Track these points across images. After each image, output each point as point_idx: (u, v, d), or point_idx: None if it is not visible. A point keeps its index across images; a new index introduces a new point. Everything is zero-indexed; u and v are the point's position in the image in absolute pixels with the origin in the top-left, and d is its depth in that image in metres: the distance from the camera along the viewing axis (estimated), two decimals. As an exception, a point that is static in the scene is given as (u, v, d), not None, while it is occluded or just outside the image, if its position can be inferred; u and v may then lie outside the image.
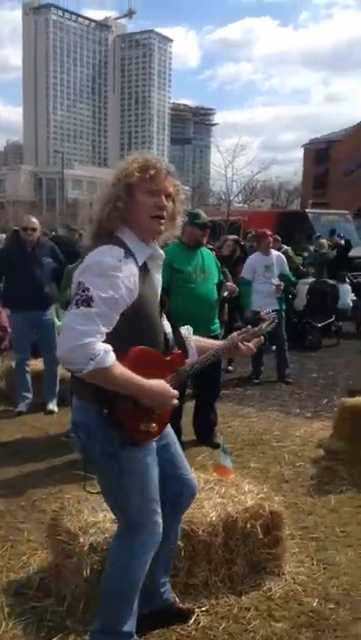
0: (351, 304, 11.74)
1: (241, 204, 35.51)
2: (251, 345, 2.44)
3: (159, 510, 2.34)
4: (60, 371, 5.96)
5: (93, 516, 2.91)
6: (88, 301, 1.99)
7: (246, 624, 2.66)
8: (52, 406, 5.91)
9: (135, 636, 2.36)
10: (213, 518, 2.87)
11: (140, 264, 2.14)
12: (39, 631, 2.61)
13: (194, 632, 2.62)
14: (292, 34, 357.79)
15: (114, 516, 2.90)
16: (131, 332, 2.09)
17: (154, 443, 2.30)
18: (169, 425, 2.46)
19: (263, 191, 50.16)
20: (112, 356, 1.98)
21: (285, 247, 10.17)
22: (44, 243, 6.10)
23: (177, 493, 2.50)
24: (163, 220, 2.20)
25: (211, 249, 6.72)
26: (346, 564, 3.16)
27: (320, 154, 56.42)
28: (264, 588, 2.92)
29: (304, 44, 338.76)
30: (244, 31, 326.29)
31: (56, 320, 6.26)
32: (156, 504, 2.33)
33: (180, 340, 2.38)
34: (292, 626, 2.65)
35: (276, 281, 7.52)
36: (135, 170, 2.16)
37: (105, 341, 1.99)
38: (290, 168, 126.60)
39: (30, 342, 6.02)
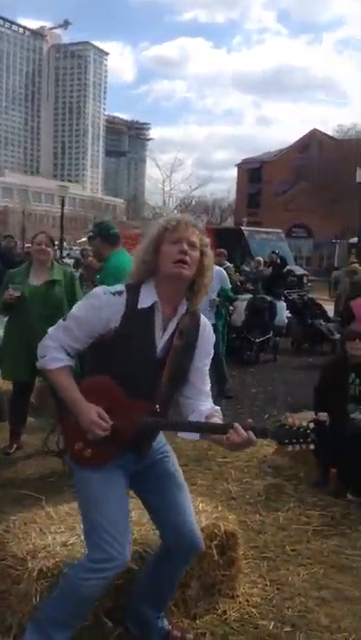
0: (286, 320, 11.99)
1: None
2: (242, 435, 2.14)
3: (116, 538, 2.22)
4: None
5: (42, 539, 2.77)
6: (65, 316, 2.35)
7: (203, 650, 2.58)
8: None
9: None
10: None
11: (140, 307, 2.27)
12: (-17, 666, 2.43)
13: (149, 660, 2.50)
14: (225, 56, 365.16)
15: (63, 539, 2.79)
16: (103, 359, 2.31)
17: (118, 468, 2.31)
18: (174, 462, 2.47)
19: (197, 207, 50.85)
20: (57, 363, 2.29)
21: (228, 264, 10.25)
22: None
23: (172, 544, 2.38)
24: (186, 265, 2.27)
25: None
26: (299, 585, 3.12)
27: (253, 173, 57.66)
28: (219, 611, 2.85)
29: (236, 67, 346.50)
30: (179, 49, 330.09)
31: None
32: (109, 532, 2.22)
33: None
34: (250, 650, 2.58)
35: (213, 295, 7.53)
36: (159, 225, 2.35)
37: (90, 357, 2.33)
38: (223, 186, 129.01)
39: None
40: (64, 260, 20.02)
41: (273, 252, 13.94)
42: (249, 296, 10.90)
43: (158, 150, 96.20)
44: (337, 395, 4.54)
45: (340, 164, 40.72)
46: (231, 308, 9.77)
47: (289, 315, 12.07)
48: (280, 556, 3.43)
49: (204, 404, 2.38)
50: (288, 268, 15.39)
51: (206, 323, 2.45)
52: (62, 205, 29.53)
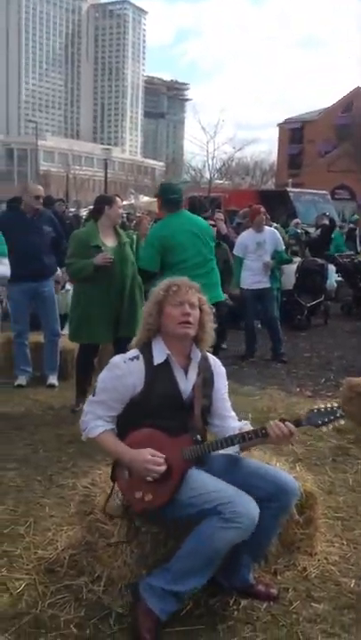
0: (336, 284, 11.81)
1: (220, 182, 35.30)
2: (283, 429, 2.49)
3: (241, 498, 2.37)
4: (61, 344, 5.83)
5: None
6: (94, 391, 2.65)
7: (288, 605, 2.63)
8: (53, 380, 5.77)
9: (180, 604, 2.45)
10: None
11: (155, 363, 2.58)
12: (78, 610, 2.53)
13: (236, 612, 2.57)
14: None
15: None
16: (138, 414, 2.58)
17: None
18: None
19: (238, 169, 49.99)
20: (99, 429, 2.58)
21: (275, 224, 10.10)
22: (43, 211, 5.90)
23: (273, 494, 2.49)
24: (189, 325, 2.59)
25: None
26: (376, 544, 3.15)
27: (295, 133, 56.17)
28: (299, 567, 2.89)
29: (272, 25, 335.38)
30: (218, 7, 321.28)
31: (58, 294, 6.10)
32: (232, 498, 2.35)
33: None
34: (333, 607, 2.62)
35: (267, 258, 7.47)
36: (161, 290, 2.66)
37: (119, 419, 2.62)
38: (264, 147, 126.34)
39: (29, 314, 5.85)
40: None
41: (323, 214, 13.65)
42: (298, 259, 10.76)
43: (198, 111, 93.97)
44: None
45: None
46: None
47: (339, 278, 11.89)
48: (353, 516, 3.45)
49: (233, 424, 2.70)
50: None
51: (215, 360, 2.80)
52: (106, 169, 29.51)
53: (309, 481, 3.09)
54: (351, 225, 15.16)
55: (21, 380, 5.72)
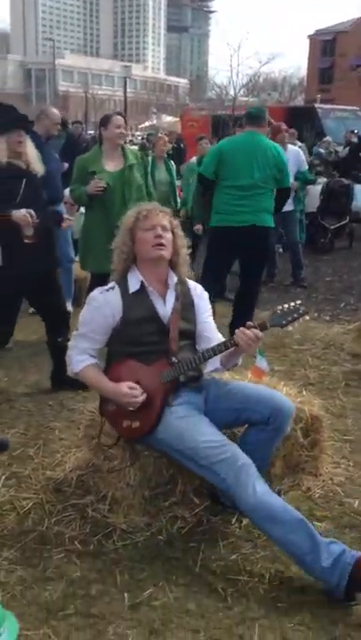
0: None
1: (246, 99, 33.95)
2: (249, 334, 2.45)
3: (222, 442, 2.41)
4: (75, 270, 5.79)
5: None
6: (78, 326, 2.69)
7: (289, 523, 2.67)
8: (68, 306, 5.76)
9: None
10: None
11: (131, 291, 2.61)
12: (83, 527, 2.62)
13: (238, 530, 2.63)
14: None
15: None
16: (120, 343, 2.65)
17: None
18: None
19: (266, 85, 48.00)
20: (81, 364, 2.64)
21: (300, 144, 9.71)
22: (55, 137, 5.72)
23: (269, 415, 2.52)
24: (162, 246, 2.59)
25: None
26: (382, 466, 3.15)
27: (326, 45, 53.28)
28: (303, 487, 2.92)
29: None
30: None
31: (69, 216, 5.99)
32: (214, 441, 2.40)
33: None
34: (335, 526, 2.66)
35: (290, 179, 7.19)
36: (131, 216, 2.66)
37: (109, 349, 2.70)
38: (293, 62, 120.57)
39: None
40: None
41: (351, 131, 13.06)
42: (324, 179, 10.38)
43: (223, 23, 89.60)
44: None
45: None
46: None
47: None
48: (362, 439, 3.46)
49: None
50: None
51: (196, 284, 2.81)
52: (125, 87, 28.53)
53: (316, 405, 3.08)
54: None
55: (36, 306, 5.72)
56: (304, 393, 3.17)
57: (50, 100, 60.75)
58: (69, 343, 2.75)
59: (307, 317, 2.57)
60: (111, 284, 2.68)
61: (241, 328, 2.48)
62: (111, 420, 2.68)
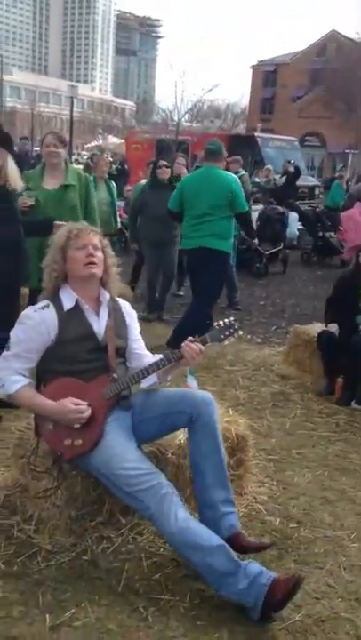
0: (298, 232, 11.84)
1: (190, 124, 34.57)
2: (194, 347, 2.57)
3: (149, 469, 2.46)
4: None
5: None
6: (8, 346, 2.62)
7: (212, 541, 2.73)
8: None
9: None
10: (182, 440, 2.88)
11: (66, 309, 2.63)
12: (7, 548, 2.60)
13: (162, 549, 2.65)
14: None
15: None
16: (55, 361, 2.62)
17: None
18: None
19: (210, 112, 49.01)
20: (16, 385, 2.58)
21: (243, 171, 9.99)
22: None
23: (190, 411, 2.57)
24: (94, 265, 2.65)
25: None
26: (304, 485, 3.28)
27: (268, 76, 54.91)
28: (227, 506, 2.99)
29: None
30: None
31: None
32: (139, 468, 2.44)
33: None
34: (256, 543, 2.74)
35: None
36: (62, 235, 2.69)
37: (38, 369, 2.67)
38: (236, 91, 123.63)
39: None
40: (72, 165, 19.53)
41: (287, 161, 13.53)
42: (260, 206, 10.71)
43: (170, 49, 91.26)
44: (347, 306, 4.56)
45: (360, 69, 38.61)
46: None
47: (300, 227, 11.90)
48: (286, 458, 3.58)
49: (150, 360, 2.71)
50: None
51: (125, 302, 2.87)
52: (72, 107, 28.57)
53: (242, 424, 3.17)
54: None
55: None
56: (230, 412, 3.27)
57: (-5, 116, 60.07)
58: None
59: (240, 333, 2.69)
60: (45, 303, 2.66)
61: (186, 342, 2.59)
62: (50, 439, 2.64)
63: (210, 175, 5.29)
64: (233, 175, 5.58)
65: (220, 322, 2.65)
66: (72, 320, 2.63)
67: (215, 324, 2.65)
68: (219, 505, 2.52)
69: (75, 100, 31.60)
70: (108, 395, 2.58)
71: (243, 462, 3.11)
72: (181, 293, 8.01)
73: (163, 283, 6.81)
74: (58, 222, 3.98)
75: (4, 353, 2.65)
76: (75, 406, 2.52)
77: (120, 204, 8.69)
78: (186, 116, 37.20)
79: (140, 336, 2.87)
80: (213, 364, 5.23)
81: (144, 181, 7.96)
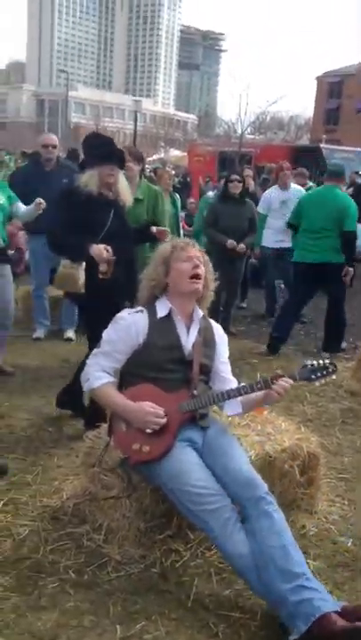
0: (362, 247, 11.56)
1: (253, 136, 34.52)
2: (283, 384, 2.56)
3: (214, 490, 2.40)
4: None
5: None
6: (99, 344, 2.71)
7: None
8: (70, 334, 5.84)
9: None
10: (252, 457, 2.84)
11: (158, 317, 2.65)
12: (77, 557, 2.62)
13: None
14: None
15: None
16: (139, 366, 2.65)
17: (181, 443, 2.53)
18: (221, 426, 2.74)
19: (273, 124, 48.85)
20: (100, 381, 2.64)
21: (311, 183, 9.86)
22: (62, 164, 5.84)
23: (242, 497, 2.40)
24: (199, 280, 2.65)
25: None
26: (377, 506, 3.17)
27: (333, 87, 54.32)
28: (297, 525, 2.93)
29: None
30: None
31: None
32: (206, 488, 2.39)
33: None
34: (328, 565, 2.67)
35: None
36: (166, 248, 2.71)
37: (123, 371, 2.70)
38: (301, 102, 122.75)
39: (49, 268, 5.86)
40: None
41: (355, 172, 13.29)
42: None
43: (233, 62, 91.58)
44: None
45: None
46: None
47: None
48: (357, 477, 3.48)
49: (233, 387, 2.68)
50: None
51: (217, 325, 2.88)
52: (135, 121, 29.06)
53: (314, 442, 3.11)
54: None
55: (39, 332, 5.81)
56: (302, 429, 3.20)
57: (61, 131, 61.68)
58: (88, 360, 2.75)
59: (333, 377, 2.62)
60: (139, 308, 2.72)
61: (280, 377, 2.57)
62: (120, 440, 2.66)
63: (329, 194, 5.82)
64: (350, 198, 6.03)
65: (315, 361, 2.58)
66: (162, 328, 2.66)
67: (310, 362, 2.58)
68: (288, 596, 2.18)
69: (138, 114, 32.19)
70: (185, 409, 2.57)
71: (314, 481, 3.05)
72: (244, 305, 7.97)
73: (229, 295, 6.77)
74: (159, 228, 4.00)
75: (95, 350, 2.73)
76: (152, 409, 2.53)
77: (180, 214, 8.73)
78: (249, 129, 37.12)
79: (227, 360, 2.85)
80: (279, 378, 5.15)
81: (210, 194, 8.00)
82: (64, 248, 3.75)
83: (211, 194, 7.88)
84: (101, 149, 3.71)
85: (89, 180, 3.61)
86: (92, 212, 3.58)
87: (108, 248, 3.47)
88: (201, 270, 2.67)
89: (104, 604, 2.36)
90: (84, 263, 3.71)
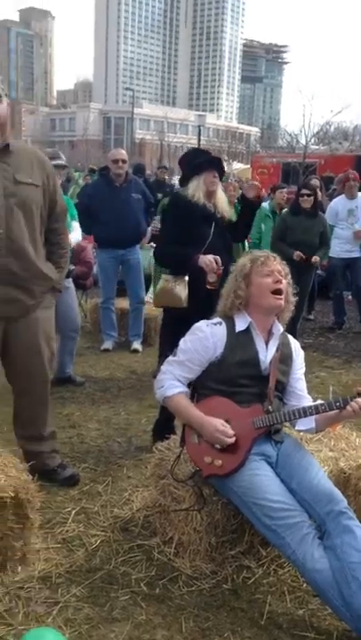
0: None
1: (317, 147, 34.15)
2: (358, 405, 2.46)
3: (290, 506, 2.35)
4: (146, 310, 5.92)
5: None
6: (175, 352, 2.67)
7: None
8: (137, 345, 5.89)
9: None
10: (326, 473, 2.76)
11: (237, 330, 2.60)
12: (148, 570, 2.60)
13: (305, 585, 2.54)
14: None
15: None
16: (214, 379, 2.61)
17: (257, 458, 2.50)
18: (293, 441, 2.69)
19: (337, 134, 48.14)
20: (174, 390, 2.62)
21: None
22: (132, 179, 5.93)
23: (322, 512, 2.34)
24: (281, 295, 2.59)
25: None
26: None
27: None
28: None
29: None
30: None
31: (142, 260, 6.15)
32: (282, 504, 2.35)
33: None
34: None
35: (358, 226, 7.16)
36: (246, 262, 2.65)
37: (196, 382, 2.67)
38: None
39: (116, 281, 5.96)
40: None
41: None
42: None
43: (297, 73, 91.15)
44: None
45: None
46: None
47: None
48: None
49: (307, 404, 2.63)
50: None
51: (295, 341, 2.82)
52: (199, 135, 29.28)
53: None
54: None
55: (107, 344, 5.88)
56: (378, 446, 3.09)
57: (127, 147, 62.98)
58: (162, 367, 2.72)
59: None
60: (218, 320, 2.67)
61: (355, 397, 2.47)
62: (192, 452, 2.64)
63: None
64: None
65: None
66: (240, 342, 2.61)
67: None
68: None
69: (201, 129, 32.44)
70: (258, 424, 2.52)
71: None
72: (311, 317, 7.83)
73: (296, 308, 6.66)
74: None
75: (170, 358, 2.69)
76: (223, 427, 2.49)
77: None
78: (313, 139, 36.69)
79: (303, 377, 2.80)
80: (349, 393, 4.96)
81: (265, 205, 7.91)
82: (170, 260, 3.71)
83: (265, 205, 7.80)
84: (203, 157, 3.77)
85: (195, 190, 3.59)
86: (195, 225, 3.56)
87: (218, 258, 3.45)
88: (283, 285, 2.61)
89: (176, 619, 2.33)
90: (185, 277, 3.62)
